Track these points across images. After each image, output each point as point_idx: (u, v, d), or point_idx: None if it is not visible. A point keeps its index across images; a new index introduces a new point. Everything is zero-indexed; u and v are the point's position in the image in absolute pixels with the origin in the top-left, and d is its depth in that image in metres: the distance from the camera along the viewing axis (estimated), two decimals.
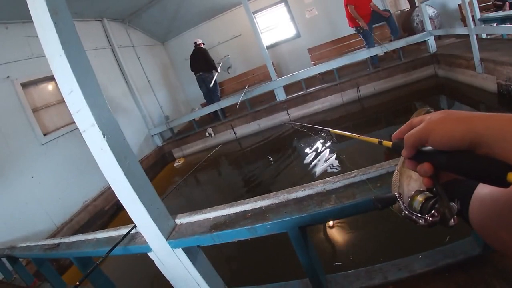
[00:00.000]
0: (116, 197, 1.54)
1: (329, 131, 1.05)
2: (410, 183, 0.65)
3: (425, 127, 0.46)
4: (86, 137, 1.47)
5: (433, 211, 0.49)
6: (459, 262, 1.37)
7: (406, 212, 0.54)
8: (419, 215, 0.51)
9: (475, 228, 0.53)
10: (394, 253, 2.53)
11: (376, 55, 7.43)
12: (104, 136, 1.43)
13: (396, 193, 0.59)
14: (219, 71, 8.73)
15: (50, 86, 6.22)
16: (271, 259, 3.12)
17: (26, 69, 5.56)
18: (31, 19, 1.34)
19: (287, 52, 10.95)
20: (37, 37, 1.35)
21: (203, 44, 8.78)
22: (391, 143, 0.55)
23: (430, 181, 0.49)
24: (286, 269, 2.87)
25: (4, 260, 3.43)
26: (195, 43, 8.70)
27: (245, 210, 1.55)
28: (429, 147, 0.46)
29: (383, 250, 2.73)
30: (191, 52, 8.71)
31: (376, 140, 0.64)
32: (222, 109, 8.52)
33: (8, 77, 5.22)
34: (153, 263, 1.77)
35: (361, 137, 0.72)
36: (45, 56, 1.37)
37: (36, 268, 2.87)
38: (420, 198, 0.52)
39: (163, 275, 1.80)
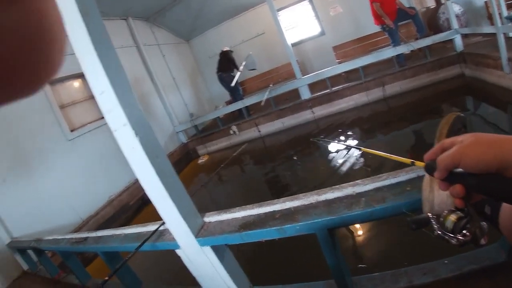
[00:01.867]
0: (141, 192, 1.59)
1: (360, 149, 1.07)
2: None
3: (458, 151, 0.49)
4: (118, 136, 1.52)
5: (464, 231, 0.53)
6: (484, 269, 1.37)
7: (440, 232, 0.57)
8: (451, 235, 0.55)
9: (505, 234, 0.56)
10: (419, 257, 2.52)
11: (402, 53, 7.26)
12: (136, 135, 1.47)
13: (429, 214, 0.62)
14: (241, 70, 8.74)
15: (76, 84, 6.45)
16: (290, 259, 3.14)
17: None
18: None
19: (311, 50, 10.83)
20: None
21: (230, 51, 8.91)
22: (423, 164, 0.59)
23: (462, 202, 0.52)
24: (305, 269, 2.90)
25: (30, 251, 3.55)
26: (221, 50, 8.83)
27: (274, 211, 1.58)
28: (460, 169, 0.50)
29: (407, 254, 2.72)
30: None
31: (408, 161, 0.66)
32: (246, 107, 8.56)
33: None
34: (178, 259, 1.82)
35: (393, 157, 0.74)
36: (72, 54, 1.39)
37: (61, 260, 2.95)
38: (452, 218, 0.55)
39: (188, 271, 1.85)
